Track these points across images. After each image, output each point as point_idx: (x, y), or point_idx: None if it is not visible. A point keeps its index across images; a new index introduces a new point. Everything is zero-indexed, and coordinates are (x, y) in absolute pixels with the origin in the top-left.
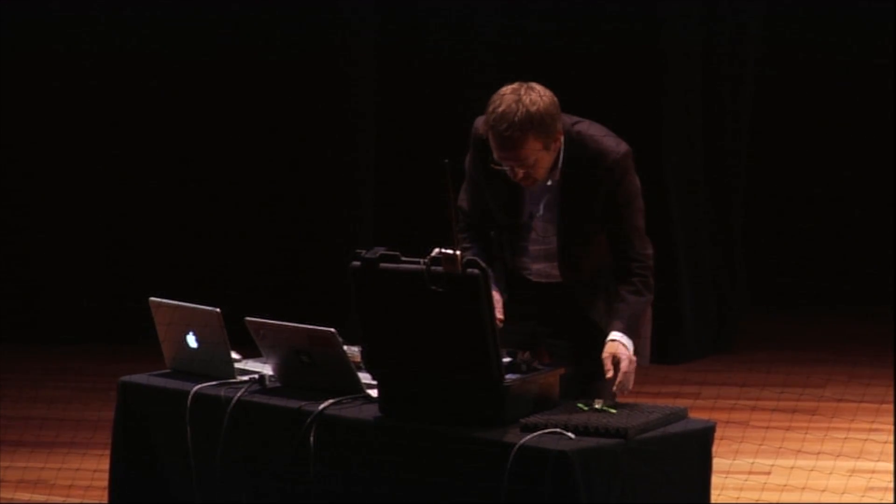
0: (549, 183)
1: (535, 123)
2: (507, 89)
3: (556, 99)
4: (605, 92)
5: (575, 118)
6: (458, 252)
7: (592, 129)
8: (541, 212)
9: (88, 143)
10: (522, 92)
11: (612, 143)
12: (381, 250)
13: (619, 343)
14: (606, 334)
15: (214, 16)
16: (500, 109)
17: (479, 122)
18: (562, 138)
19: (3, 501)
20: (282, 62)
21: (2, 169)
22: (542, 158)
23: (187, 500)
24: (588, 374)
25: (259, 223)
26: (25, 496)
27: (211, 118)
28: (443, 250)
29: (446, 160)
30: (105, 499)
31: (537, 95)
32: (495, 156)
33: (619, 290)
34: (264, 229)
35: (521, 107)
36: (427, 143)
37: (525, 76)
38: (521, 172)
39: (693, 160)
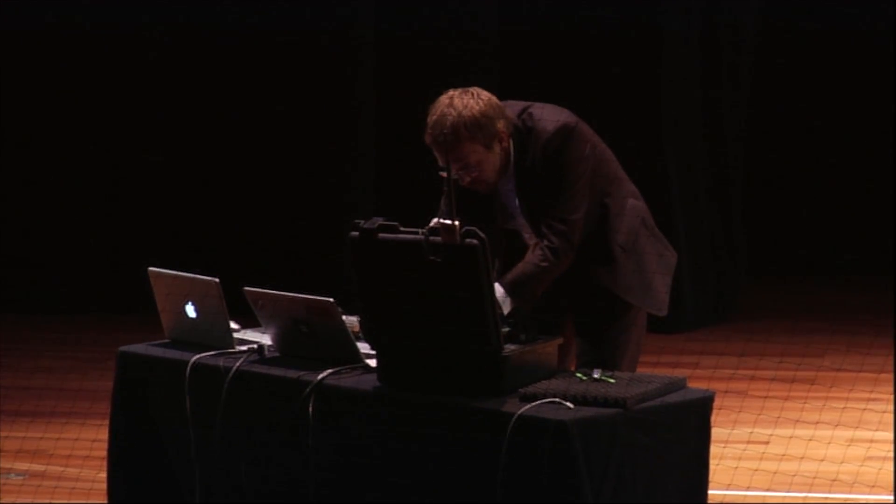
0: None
1: (468, 125)
2: (442, 96)
3: (494, 100)
4: (604, 63)
5: (526, 104)
6: (456, 222)
7: (536, 110)
8: (518, 208)
9: (87, 114)
10: (456, 97)
11: (549, 120)
12: (379, 220)
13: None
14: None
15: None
16: (435, 117)
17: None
18: (508, 137)
19: (1, 471)
20: (280, 42)
21: None
22: (486, 159)
23: (186, 470)
24: (598, 341)
25: (258, 192)
26: (24, 465)
27: (211, 92)
28: (441, 220)
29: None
30: (104, 468)
31: (471, 98)
32: (440, 162)
33: (529, 250)
34: (263, 198)
35: (453, 111)
36: (427, 111)
37: (524, 62)
38: (467, 177)
39: (692, 130)
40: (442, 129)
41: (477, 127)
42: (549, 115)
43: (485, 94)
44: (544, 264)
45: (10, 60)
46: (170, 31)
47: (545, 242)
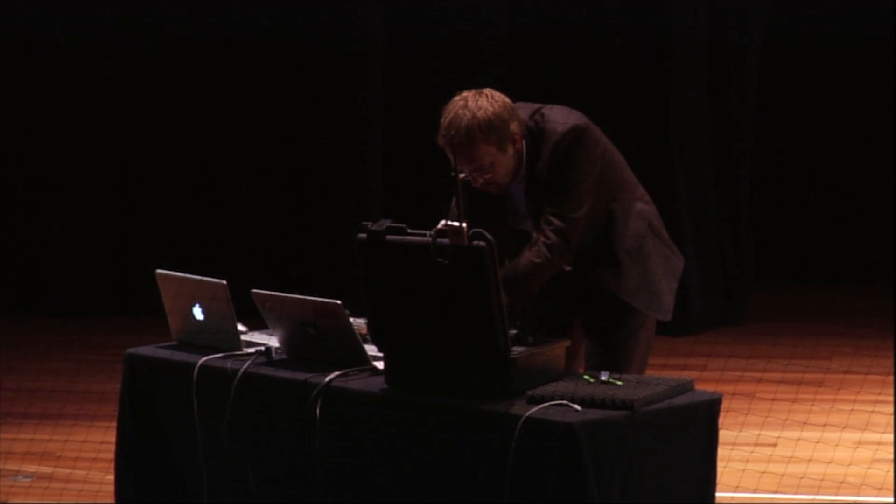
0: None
1: (482, 127)
2: (457, 98)
3: (508, 102)
4: (613, 69)
5: (538, 105)
6: (463, 224)
7: (547, 111)
8: (524, 210)
9: (96, 118)
10: (470, 98)
11: (560, 122)
12: (387, 222)
13: None
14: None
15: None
16: (448, 119)
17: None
18: (521, 139)
19: (9, 473)
20: (290, 48)
21: (8, 143)
22: (498, 161)
23: (193, 472)
24: (607, 344)
25: (266, 195)
26: (32, 468)
27: (222, 97)
28: (448, 223)
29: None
30: (111, 470)
31: (485, 100)
32: (453, 164)
33: (527, 246)
34: (271, 201)
35: (467, 112)
36: (436, 115)
37: (534, 67)
38: (480, 179)
39: (700, 134)
40: (456, 130)
41: (491, 128)
42: (560, 117)
43: (498, 96)
44: (538, 261)
45: (18, 66)
46: (179, 38)
47: (542, 239)
